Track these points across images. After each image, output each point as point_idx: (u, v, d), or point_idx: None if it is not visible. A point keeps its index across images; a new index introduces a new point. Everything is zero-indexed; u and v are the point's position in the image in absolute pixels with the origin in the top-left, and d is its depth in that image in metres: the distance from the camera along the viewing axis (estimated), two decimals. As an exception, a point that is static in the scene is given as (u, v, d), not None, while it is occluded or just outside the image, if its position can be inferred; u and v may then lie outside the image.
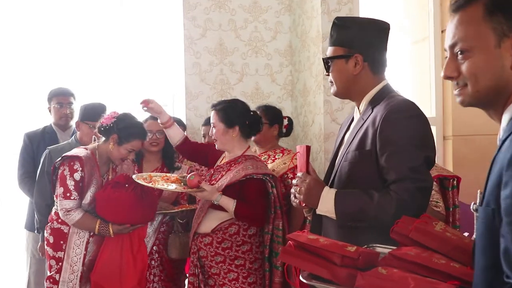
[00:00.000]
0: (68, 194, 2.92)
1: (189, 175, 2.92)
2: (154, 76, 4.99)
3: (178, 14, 4.51)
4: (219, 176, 3.02)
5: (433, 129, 4.27)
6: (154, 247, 3.42)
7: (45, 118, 4.03)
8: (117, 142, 2.99)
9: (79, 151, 2.99)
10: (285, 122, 3.76)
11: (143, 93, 5.27)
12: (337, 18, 2.13)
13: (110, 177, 3.12)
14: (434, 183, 2.72)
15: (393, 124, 1.89)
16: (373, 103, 2.05)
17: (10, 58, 5.43)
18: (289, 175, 3.43)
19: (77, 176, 2.92)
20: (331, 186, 2.08)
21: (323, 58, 2.15)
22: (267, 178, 2.91)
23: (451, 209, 2.87)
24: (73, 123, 3.92)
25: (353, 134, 2.07)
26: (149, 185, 2.94)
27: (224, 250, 2.94)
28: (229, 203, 2.86)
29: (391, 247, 1.66)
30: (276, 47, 4.65)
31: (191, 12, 4.45)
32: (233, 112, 2.99)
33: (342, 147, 2.14)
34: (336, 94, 2.16)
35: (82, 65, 4.80)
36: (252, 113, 3.09)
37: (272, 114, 3.64)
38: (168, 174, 3.28)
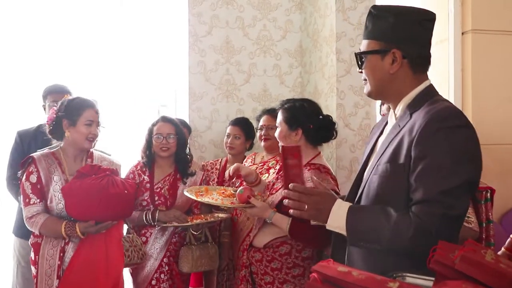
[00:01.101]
0: (27, 200, 2.73)
1: (238, 190, 2.67)
2: (157, 74, 4.76)
3: (183, 9, 4.28)
4: (280, 186, 2.73)
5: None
6: (165, 259, 3.19)
7: (39, 116, 3.78)
8: (70, 125, 2.79)
9: (36, 153, 2.82)
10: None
11: (144, 92, 5.05)
12: (374, 7, 1.83)
13: None
14: None
15: (431, 135, 1.61)
16: (411, 108, 1.76)
17: (10, 56, 5.24)
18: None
19: (33, 178, 2.74)
20: (358, 202, 1.83)
21: (355, 53, 1.86)
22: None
23: (484, 224, 2.62)
24: None
25: (386, 143, 1.79)
26: (191, 196, 2.75)
27: (273, 271, 2.67)
28: (283, 222, 2.56)
29: (428, 278, 1.41)
30: (286, 47, 4.41)
31: (196, 8, 4.22)
32: (298, 113, 2.70)
33: (373, 156, 1.87)
34: (369, 94, 1.87)
35: (83, 62, 4.59)
36: (321, 117, 2.77)
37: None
38: (227, 188, 3.02)
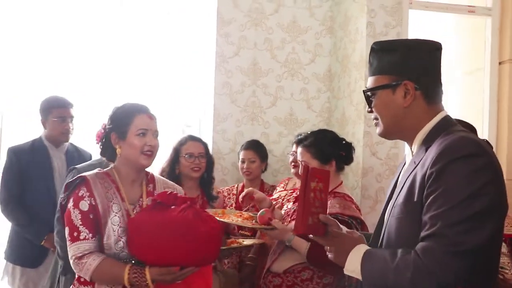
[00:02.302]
0: (75, 234, 2.06)
1: (260, 211, 2.63)
2: (182, 93, 4.71)
3: (211, 30, 4.23)
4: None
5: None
6: None
7: (31, 131, 3.68)
8: (120, 137, 2.18)
9: (87, 173, 2.22)
10: None
11: (169, 111, 5.00)
12: (376, 43, 1.74)
13: (144, 203, 2.21)
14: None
15: (443, 168, 1.47)
16: (427, 143, 1.62)
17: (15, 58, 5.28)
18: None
19: (83, 205, 2.08)
20: (381, 246, 1.70)
21: (364, 91, 1.74)
22: (353, 221, 2.52)
23: None
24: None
25: (402, 182, 1.65)
26: (220, 218, 2.56)
27: None
28: (302, 245, 2.54)
29: None
30: (314, 71, 4.31)
31: (224, 29, 4.16)
32: (325, 145, 2.67)
33: (391, 201, 1.73)
34: (384, 134, 1.74)
35: (107, 81, 4.58)
36: (344, 142, 2.78)
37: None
38: (242, 212, 2.91)
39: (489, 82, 3.86)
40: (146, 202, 2.19)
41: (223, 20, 4.17)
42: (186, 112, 4.66)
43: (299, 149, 2.71)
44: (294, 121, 4.28)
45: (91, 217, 2.08)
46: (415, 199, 1.54)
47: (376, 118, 1.73)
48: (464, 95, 4.18)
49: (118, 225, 2.10)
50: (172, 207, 2.09)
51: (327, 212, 2.22)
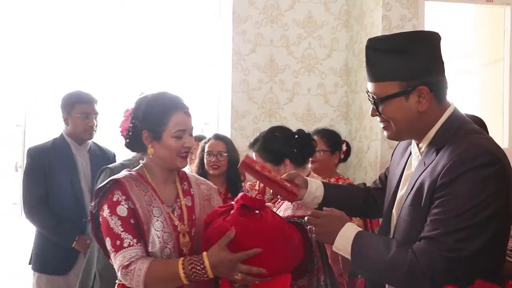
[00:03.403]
0: (118, 243, 1.82)
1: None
2: (199, 92, 4.75)
3: (227, 27, 4.26)
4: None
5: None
6: None
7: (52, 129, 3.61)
8: (154, 138, 1.92)
9: (115, 175, 1.98)
10: (344, 147, 3.41)
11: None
12: (374, 41, 1.64)
13: (182, 203, 1.99)
14: None
15: (455, 178, 1.46)
16: (437, 143, 1.59)
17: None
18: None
19: (121, 210, 1.85)
20: None
21: (373, 100, 1.62)
22: (303, 221, 2.38)
23: None
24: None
25: (411, 184, 1.63)
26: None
27: None
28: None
29: None
30: (331, 66, 4.31)
31: (241, 26, 4.19)
32: (275, 146, 2.52)
33: (398, 197, 1.72)
34: (395, 137, 1.68)
35: (125, 79, 4.64)
36: (297, 136, 2.58)
37: (333, 141, 3.31)
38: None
39: (508, 73, 3.82)
40: (185, 202, 1.99)
41: (239, 18, 4.19)
42: (204, 110, 4.70)
43: (253, 154, 2.57)
44: (311, 116, 4.28)
45: (132, 222, 1.84)
46: (422, 204, 1.54)
47: (385, 121, 1.65)
48: (483, 86, 4.14)
49: (162, 230, 1.87)
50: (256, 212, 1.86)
51: (282, 215, 2.29)
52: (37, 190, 3.15)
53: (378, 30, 3.71)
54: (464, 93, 4.25)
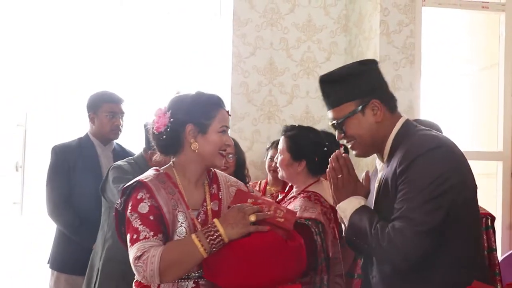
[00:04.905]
0: (135, 236, 1.78)
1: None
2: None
3: (227, 30, 4.32)
4: None
5: (500, 165, 3.91)
6: None
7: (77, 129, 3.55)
8: (200, 131, 1.89)
9: (142, 176, 1.92)
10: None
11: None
12: (324, 76, 1.94)
13: (208, 208, 1.95)
14: None
15: (410, 165, 1.71)
16: (394, 147, 1.84)
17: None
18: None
19: (143, 207, 1.81)
20: None
21: (334, 124, 1.90)
22: (310, 223, 2.40)
23: (486, 253, 2.45)
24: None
25: (380, 186, 1.89)
26: None
27: None
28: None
29: None
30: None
31: (241, 29, 4.25)
32: (303, 143, 2.58)
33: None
34: (363, 152, 1.95)
35: (126, 81, 4.68)
36: (326, 148, 2.61)
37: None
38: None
39: (503, 77, 3.89)
40: (211, 207, 1.94)
41: (239, 21, 4.25)
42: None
43: (282, 137, 2.65)
44: (310, 119, 4.34)
45: (152, 218, 1.79)
46: (391, 195, 1.76)
47: (350, 141, 1.91)
48: (479, 91, 4.20)
49: (184, 236, 1.82)
50: None
51: None
52: (61, 189, 3.11)
53: (376, 35, 3.77)
54: (460, 98, 4.32)
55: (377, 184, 1.92)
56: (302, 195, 2.55)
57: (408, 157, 1.71)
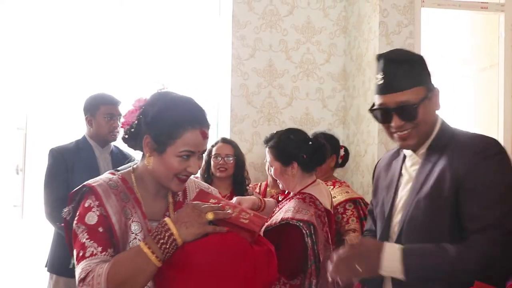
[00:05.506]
0: (81, 253, 1.53)
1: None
2: (199, 95, 4.80)
3: (227, 32, 4.32)
4: (272, 216, 2.61)
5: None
6: None
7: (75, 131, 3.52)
8: (156, 149, 1.63)
9: (91, 180, 1.70)
10: (342, 152, 3.46)
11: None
12: (394, 55, 1.77)
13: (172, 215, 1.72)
14: None
15: (478, 166, 1.64)
16: (438, 142, 1.77)
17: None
18: (339, 210, 3.13)
19: (91, 217, 1.57)
20: (398, 241, 1.78)
21: (409, 105, 1.71)
22: (301, 224, 2.38)
23: None
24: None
25: (420, 180, 1.76)
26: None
27: None
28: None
29: None
30: (329, 71, 4.37)
31: (240, 31, 4.25)
32: (287, 147, 2.57)
33: (404, 197, 1.83)
34: (415, 144, 1.79)
35: (125, 82, 4.68)
36: (311, 142, 2.63)
37: (331, 144, 3.35)
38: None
39: (503, 78, 3.88)
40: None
41: (238, 23, 4.25)
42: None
43: (266, 149, 2.65)
44: (310, 120, 4.34)
45: (101, 230, 1.55)
46: (445, 195, 1.66)
47: (409, 128, 1.75)
48: (478, 91, 4.20)
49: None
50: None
51: (282, 217, 2.39)
52: (59, 191, 3.03)
53: (375, 36, 3.77)
54: (460, 98, 4.31)
55: (414, 181, 1.79)
56: (297, 196, 2.55)
57: (476, 156, 1.65)
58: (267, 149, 2.65)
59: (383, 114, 1.77)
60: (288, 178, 2.59)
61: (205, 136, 1.63)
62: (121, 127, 1.71)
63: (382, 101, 1.75)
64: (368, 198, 3.66)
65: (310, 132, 3.78)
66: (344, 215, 3.14)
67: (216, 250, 1.50)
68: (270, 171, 2.67)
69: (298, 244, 2.39)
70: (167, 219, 1.53)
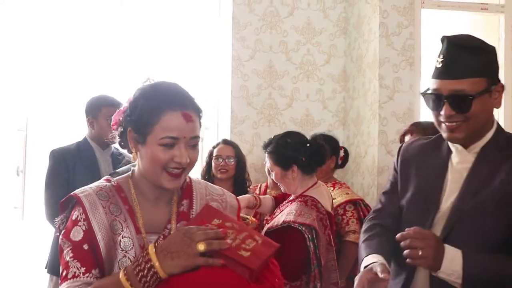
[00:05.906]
0: (64, 273, 1.40)
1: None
2: (199, 96, 4.80)
3: (227, 34, 4.32)
4: (273, 217, 2.62)
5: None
6: None
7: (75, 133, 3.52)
8: (138, 140, 1.46)
9: (80, 189, 1.54)
10: (341, 153, 3.46)
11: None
12: (456, 39, 1.65)
13: (173, 231, 1.45)
14: None
15: None
16: (496, 144, 1.67)
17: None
18: (339, 211, 3.13)
19: (77, 233, 1.41)
20: (444, 241, 1.65)
21: (463, 96, 1.59)
22: (303, 228, 2.38)
23: None
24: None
25: (477, 180, 1.66)
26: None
27: None
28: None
29: None
30: (329, 72, 4.37)
31: (240, 33, 4.25)
32: (285, 151, 2.57)
33: (455, 193, 1.70)
34: (463, 139, 1.66)
35: (123, 82, 4.68)
36: (309, 144, 2.62)
37: (330, 145, 3.36)
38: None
39: (503, 78, 3.87)
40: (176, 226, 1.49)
41: (238, 24, 4.25)
42: (204, 115, 4.75)
43: (265, 155, 2.66)
44: (310, 121, 4.34)
45: (86, 248, 1.40)
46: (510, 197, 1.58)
47: (459, 121, 1.63)
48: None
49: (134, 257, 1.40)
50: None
51: (283, 219, 2.37)
52: (60, 193, 2.89)
53: (375, 37, 3.77)
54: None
55: (470, 180, 1.68)
56: (299, 199, 2.55)
57: None
58: (266, 155, 2.65)
59: (434, 100, 1.66)
60: (289, 182, 2.59)
61: (188, 119, 1.41)
62: (112, 129, 1.58)
63: (437, 86, 1.64)
64: (368, 200, 3.66)
65: (310, 134, 3.80)
66: (344, 217, 3.15)
67: (206, 287, 1.28)
68: (271, 175, 2.67)
69: (299, 247, 2.39)
70: (150, 248, 1.32)
